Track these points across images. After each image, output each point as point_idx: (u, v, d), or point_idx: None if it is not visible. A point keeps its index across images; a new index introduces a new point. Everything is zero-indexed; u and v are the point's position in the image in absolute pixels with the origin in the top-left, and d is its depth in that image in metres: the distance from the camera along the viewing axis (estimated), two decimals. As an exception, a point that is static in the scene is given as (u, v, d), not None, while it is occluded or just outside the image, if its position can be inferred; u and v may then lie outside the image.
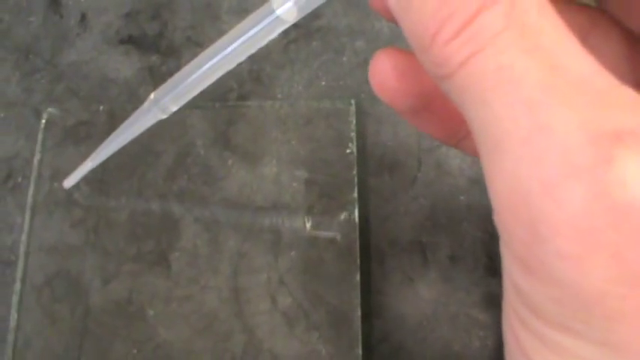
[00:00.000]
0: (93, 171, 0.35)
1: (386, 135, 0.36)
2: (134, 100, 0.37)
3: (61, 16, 0.40)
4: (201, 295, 0.33)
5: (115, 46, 0.39)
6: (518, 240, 0.13)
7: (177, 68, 0.38)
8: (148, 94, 0.37)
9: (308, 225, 0.34)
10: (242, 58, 0.20)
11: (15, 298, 0.34)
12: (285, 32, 0.39)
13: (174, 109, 0.24)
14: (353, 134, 0.35)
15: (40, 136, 0.36)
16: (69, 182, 0.34)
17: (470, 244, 0.34)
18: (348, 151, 0.35)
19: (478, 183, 0.35)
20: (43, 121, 0.37)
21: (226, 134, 0.36)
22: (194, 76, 0.22)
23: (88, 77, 0.38)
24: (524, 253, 0.12)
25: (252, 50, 0.20)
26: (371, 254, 0.34)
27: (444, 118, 0.19)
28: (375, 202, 0.35)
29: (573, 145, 0.11)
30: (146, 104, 0.24)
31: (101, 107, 0.37)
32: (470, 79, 0.13)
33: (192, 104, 0.36)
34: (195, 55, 0.38)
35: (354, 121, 0.35)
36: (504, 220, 0.13)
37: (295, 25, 0.39)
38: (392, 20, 0.17)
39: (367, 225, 0.34)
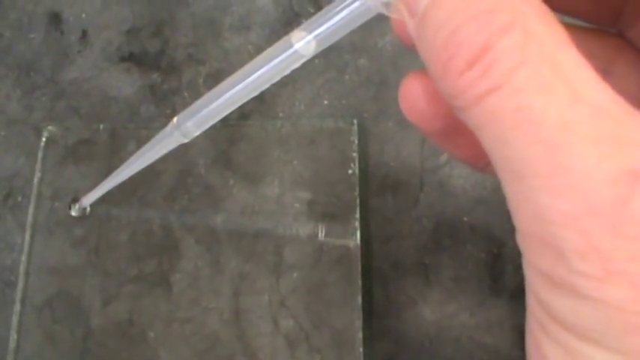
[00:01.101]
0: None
1: (388, 155, 0.37)
2: (135, 119, 0.38)
3: (62, 33, 0.40)
4: (202, 316, 0.34)
5: (116, 64, 0.39)
6: (543, 259, 0.13)
7: (179, 86, 0.39)
8: (149, 113, 0.38)
9: (310, 247, 0.34)
10: (261, 89, 0.21)
11: (15, 319, 0.34)
12: (288, 50, 0.39)
13: (196, 134, 0.24)
14: (355, 154, 0.36)
15: (40, 155, 0.37)
16: (87, 201, 0.34)
17: (473, 265, 0.35)
18: (350, 171, 0.35)
19: (482, 203, 0.36)
20: (44, 139, 0.37)
21: (227, 154, 0.36)
22: (215, 103, 0.22)
23: (89, 95, 0.39)
24: (548, 271, 0.13)
25: (272, 82, 0.21)
26: (373, 276, 0.34)
27: (473, 141, 0.20)
28: (377, 223, 0.35)
29: (592, 184, 0.12)
30: (168, 128, 0.25)
31: (102, 126, 0.37)
32: (488, 116, 0.13)
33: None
34: (196, 73, 0.39)
35: (357, 141, 0.36)
36: (528, 241, 0.14)
37: (297, 43, 0.39)
38: (413, 49, 0.18)
39: (369, 246, 0.35)
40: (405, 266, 0.35)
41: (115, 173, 0.30)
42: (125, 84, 0.39)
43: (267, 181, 0.36)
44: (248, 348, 0.33)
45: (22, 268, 0.35)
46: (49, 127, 0.37)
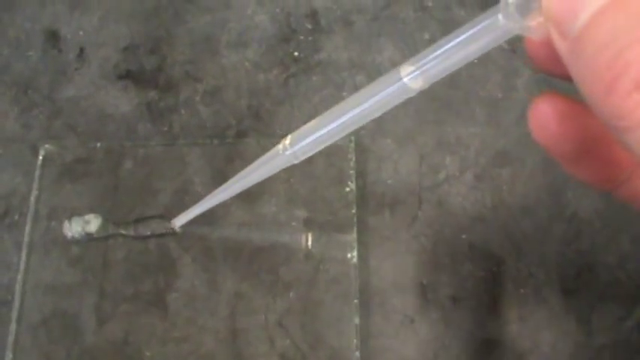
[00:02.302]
0: (90, 209, 0.37)
1: (386, 172, 0.37)
2: (132, 137, 0.39)
3: (60, 51, 0.41)
4: (198, 336, 0.34)
5: (114, 82, 0.40)
6: None
7: (176, 103, 0.40)
8: (146, 130, 0.39)
9: (306, 266, 0.35)
10: (369, 119, 0.22)
11: (10, 338, 0.35)
12: (285, 66, 0.40)
13: (305, 157, 0.25)
14: (352, 172, 0.36)
15: (37, 173, 0.38)
16: (179, 221, 0.35)
17: (472, 284, 0.35)
18: (347, 189, 0.36)
19: (481, 221, 0.36)
20: (41, 157, 0.38)
21: (224, 172, 0.37)
22: (325, 129, 0.23)
23: (86, 113, 0.40)
24: None
25: (378, 114, 0.21)
26: (371, 294, 0.35)
27: (604, 163, 0.20)
28: (375, 241, 0.36)
29: None
30: (280, 147, 0.25)
31: (99, 144, 0.38)
32: None
33: (191, 141, 0.38)
34: (193, 91, 0.40)
35: (354, 159, 0.37)
36: None
37: (295, 60, 0.40)
38: (549, 72, 0.18)
39: (367, 265, 0.35)
40: (402, 285, 0.35)
41: (213, 194, 0.31)
42: (122, 102, 0.40)
43: (264, 199, 0.36)
44: (244, 368, 0.34)
45: (18, 287, 0.36)
46: (46, 146, 0.38)
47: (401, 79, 0.19)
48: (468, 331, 0.34)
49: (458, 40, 0.18)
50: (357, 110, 0.22)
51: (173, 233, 0.36)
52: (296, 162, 0.25)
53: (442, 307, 0.35)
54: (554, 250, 0.36)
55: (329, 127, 0.23)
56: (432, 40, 0.40)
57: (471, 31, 0.18)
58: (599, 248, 0.36)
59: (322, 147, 0.24)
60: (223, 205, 0.36)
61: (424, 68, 0.19)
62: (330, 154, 0.37)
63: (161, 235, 0.36)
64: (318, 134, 0.24)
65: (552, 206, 0.36)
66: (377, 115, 0.21)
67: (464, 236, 0.36)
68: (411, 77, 0.19)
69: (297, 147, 0.25)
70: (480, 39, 0.18)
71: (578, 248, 0.36)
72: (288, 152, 0.25)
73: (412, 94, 0.20)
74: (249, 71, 0.40)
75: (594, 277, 0.35)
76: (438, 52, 0.18)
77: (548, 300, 0.35)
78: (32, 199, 0.37)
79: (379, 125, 0.38)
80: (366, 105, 0.21)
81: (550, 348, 0.34)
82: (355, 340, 0.34)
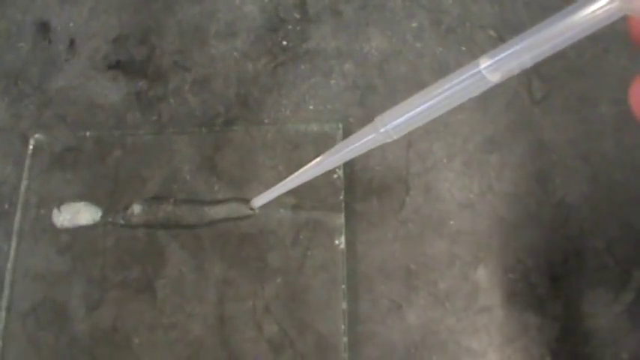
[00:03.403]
0: (80, 197, 0.37)
1: (374, 159, 0.37)
2: (121, 126, 0.39)
3: (50, 42, 0.42)
4: (186, 323, 0.35)
5: (103, 72, 0.41)
6: None
7: (165, 93, 0.40)
8: (135, 119, 0.39)
9: (294, 252, 0.35)
10: (448, 108, 0.22)
11: (0, 326, 0.35)
12: (274, 55, 0.41)
13: (397, 137, 0.26)
14: (340, 159, 0.37)
15: (27, 162, 0.38)
16: (259, 202, 0.35)
17: (459, 269, 0.35)
18: (335, 175, 0.36)
19: (468, 208, 0.36)
20: (31, 147, 0.39)
21: (213, 160, 0.37)
22: (413, 112, 0.24)
23: (76, 103, 0.40)
24: None
25: (456, 103, 0.22)
26: (358, 280, 0.35)
27: None
28: (362, 227, 0.36)
29: None
30: (370, 127, 0.26)
31: (88, 133, 0.39)
32: None
33: (179, 130, 0.38)
34: (182, 80, 0.40)
35: (342, 146, 0.37)
36: None
37: (283, 49, 0.41)
38: None
39: (354, 251, 0.36)
40: (390, 271, 0.35)
41: (296, 174, 0.31)
42: (112, 91, 0.40)
43: (252, 186, 0.37)
44: (232, 354, 0.34)
45: (7, 275, 0.36)
46: (37, 135, 0.39)
47: (480, 71, 0.20)
48: (455, 316, 0.35)
49: (564, 22, 0.17)
50: (439, 98, 0.22)
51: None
52: (389, 140, 0.26)
53: (429, 293, 0.35)
54: (542, 235, 0.36)
55: (416, 110, 0.24)
56: (420, 29, 0.40)
57: (578, 13, 0.17)
58: (587, 234, 0.36)
59: (412, 128, 0.25)
60: (211, 192, 0.37)
61: (501, 60, 0.19)
62: (318, 140, 0.37)
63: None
64: (407, 116, 0.24)
65: (540, 192, 0.37)
66: (456, 104, 0.22)
67: (451, 222, 0.36)
68: (490, 70, 0.20)
69: (389, 126, 0.25)
70: (586, 22, 0.17)
71: (565, 234, 0.36)
72: (382, 130, 0.26)
73: (489, 86, 0.20)
74: (237, 60, 0.40)
75: (582, 263, 0.35)
76: (544, 33, 0.18)
77: (536, 285, 0.35)
78: (22, 188, 0.38)
79: (367, 112, 0.38)
80: (446, 93, 0.22)
81: (537, 332, 0.34)
82: (343, 326, 0.34)
